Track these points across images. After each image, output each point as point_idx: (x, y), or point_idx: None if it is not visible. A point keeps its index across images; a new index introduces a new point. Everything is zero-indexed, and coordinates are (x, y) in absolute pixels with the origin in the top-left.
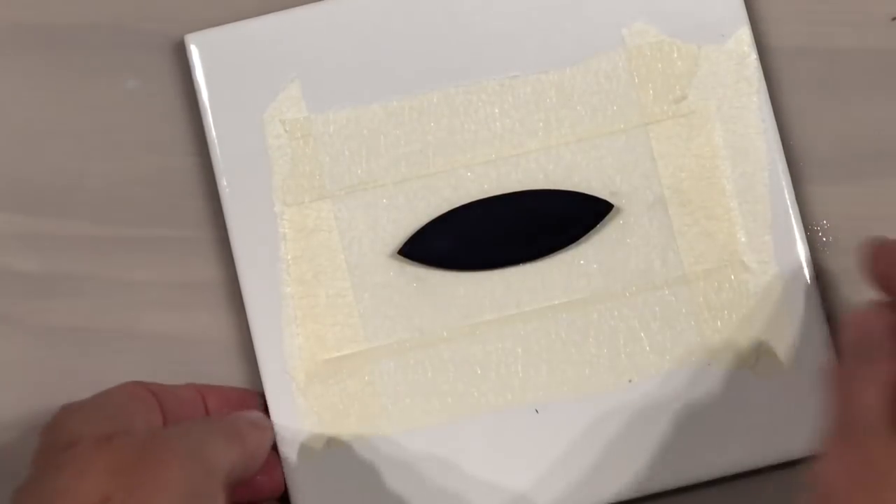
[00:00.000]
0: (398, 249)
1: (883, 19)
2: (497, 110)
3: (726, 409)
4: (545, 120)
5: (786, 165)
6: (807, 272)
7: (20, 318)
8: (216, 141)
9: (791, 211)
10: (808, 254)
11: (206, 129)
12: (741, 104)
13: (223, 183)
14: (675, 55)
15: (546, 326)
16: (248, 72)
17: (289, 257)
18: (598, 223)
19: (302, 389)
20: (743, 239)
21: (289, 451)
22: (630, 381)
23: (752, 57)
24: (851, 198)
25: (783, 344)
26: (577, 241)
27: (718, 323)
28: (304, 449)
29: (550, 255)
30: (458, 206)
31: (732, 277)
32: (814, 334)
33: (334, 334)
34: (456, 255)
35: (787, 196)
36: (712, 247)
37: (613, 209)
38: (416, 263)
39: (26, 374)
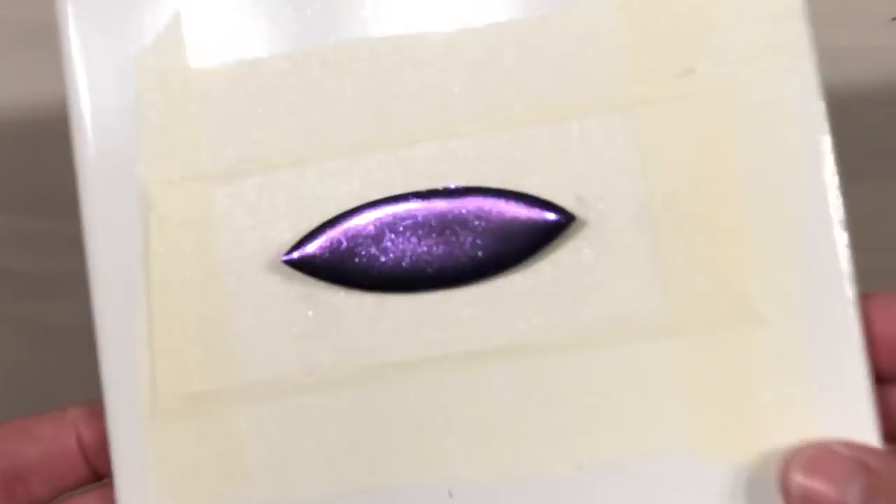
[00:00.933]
0: (283, 255)
1: (883, 19)
2: (436, 73)
3: None
4: (497, 90)
5: (836, 176)
6: (854, 334)
7: (20, 318)
8: (75, 95)
9: (837, 239)
10: (857, 303)
11: (67, 78)
12: (774, 82)
13: (79, 151)
14: (685, 9)
15: (472, 378)
16: (121, 5)
17: (149, 256)
18: (552, 240)
19: (148, 430)
20: (759, 277)
21: None
22: (580, 465)
23: (798, 8)
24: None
25: (813, 437)
26: (523, 264)
27: (714, 396)
28: None
29: (485, 281)
30: (365, 202)
31: (739, 333)
32: (860, 424)
33: (199, 362)
34: (358, 270)
35: (833, 217)
36: (714, 286)
37: (576, 222)
38: (305, 276)
39: (26, 374)
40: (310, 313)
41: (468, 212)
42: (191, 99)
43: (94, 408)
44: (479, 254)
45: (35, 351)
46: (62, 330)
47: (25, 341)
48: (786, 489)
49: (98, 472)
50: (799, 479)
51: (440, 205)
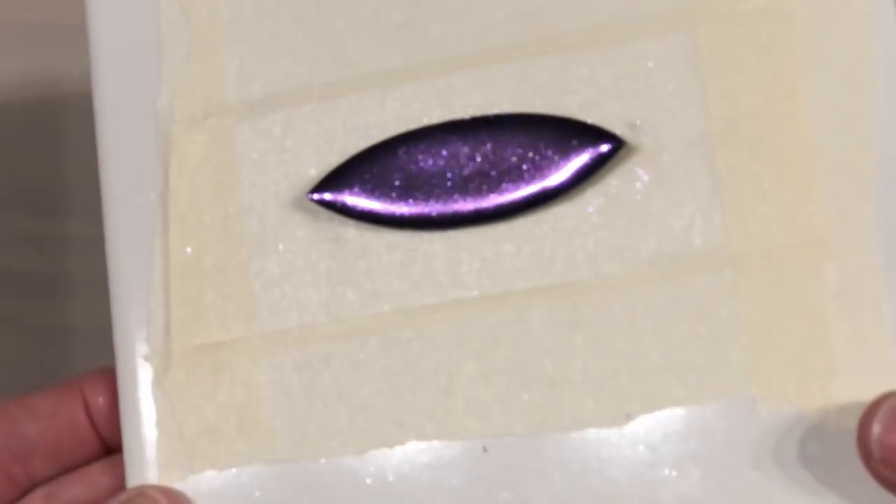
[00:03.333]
0: (308, 192)
1: None
2: None
3: (777, 474)
4: (543, 11)
5: None
6: None
7: (20, 318)
8: (96, 26)
9: None
10: None
11: (88, 8)
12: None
13: (98, 86)
14: None
15: (512, 321)
16: None
17: (168, 197)
18: (601, 168)
19: (160, 384)
20: (828, 206)
21: (137, 476)
22: (629, 414)
23: None
24: None
25: (881, 377)
26: (569, 195)
27: (777, 335)
28: (159, 471)
29: (528, 213)
30: (399, 133)
31: (806, 265)
32: None
33: (217, 310)
34: (389, 207)
35: None
36: (778, 216)
37: (627, 148)
38: (333, 214)
39: (26, 374)
40: (336, 254)
41: (510, 140)
42: (216, 29)
43: (104, 373)
44: (521, 185)
45: (35, 351)
46: (62, 330)
47: (25, 341)
48: (863, 441)
49: (109, 446)
50: (877, 431)
51: (479, 135)
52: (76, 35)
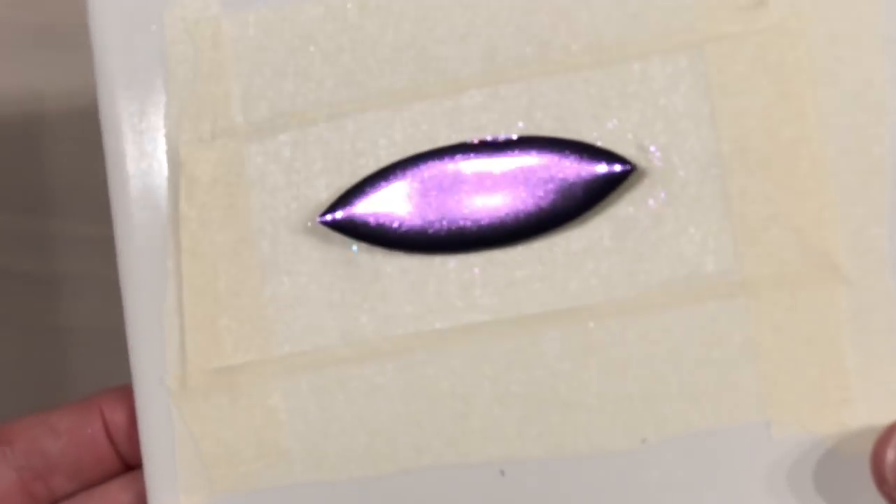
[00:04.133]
0: (319, 215)
1: None
2: (485, 13)
3: (791, 499)
4: (551, 31)
5: None
6: None
7: (20, 318)
8: (100, 50)
9: None
10: None
11: (93, 31)
12: (856, 13)
13: (105, 110)
14: None
15: (527, 345)
16: None
17: (179, 219)
18: (611, 192)
19: (179, 408)
20: (841, 231)
21: (158, 496)
22: (644, 440)
23: None
24: None
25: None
26: (582, 219)
27: (790, 360)
28: (181, 493)
29: (540, 238)
30: (408, 156)
31: (819, 290)
32: None
33: (232, 333)
34: (401, 229)
35: None
36: (790, 240)
37: (637, 172)
38: (344, 237)
39: (26, 374)
40: (349, 278)
41: (520, 164)
42: (221, 50)
43: (122, 391)
44: (532, 209)
45: (35, 351)
46: (62, 330)
47: (25, 341)
48: (877, 466)
49: (128, 463)
50: (892, 456)
51: (490, 158)
52: (75, 35)
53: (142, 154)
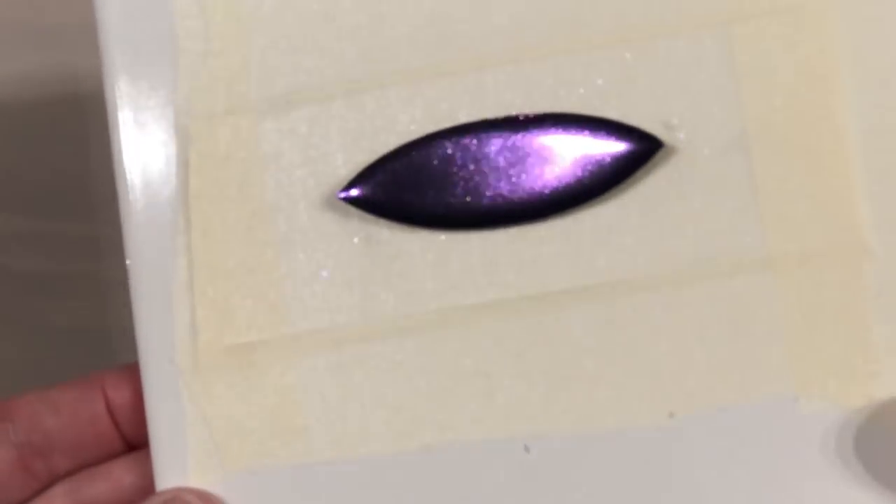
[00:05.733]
0: (339, 191)
1: None
2: None
3: (818, 472)
4: (576, 8)
5: None
6: None
7: (20, 318)
8: (106, 25)
9: None
10: None
11: (97, 12)
12: None
13: (110, 83)
14: None
15: (551, 321)
16: None
17: (189, 194)
18: (639, 169)
19: (189, 387)
20: (866, 207)
21: (166, 477)
22: (671, 414)
23: None
24: None
25: None
26: (607, 196)
27: (818, 335)
28: (191, 472)
29: (565, 214)
30: (431, 132)
31: (846, 266)
32: None
33: (245, 310)
34: (423, 206)
35: None
36: (816, 217)
37: (664, 149)
38: (363, 213)
39: (26, 374)
40: (369, 254)
41: (545, 141)
42: (235, 24)
43: (125, 370)
44: (557, 186)
45: (35, 351)
46: (62, 330)
47: (25, 341)
48: None
49: (130, 442)
50: None
51: (513, 134)
52: (79, 35)
53: (148, 130)
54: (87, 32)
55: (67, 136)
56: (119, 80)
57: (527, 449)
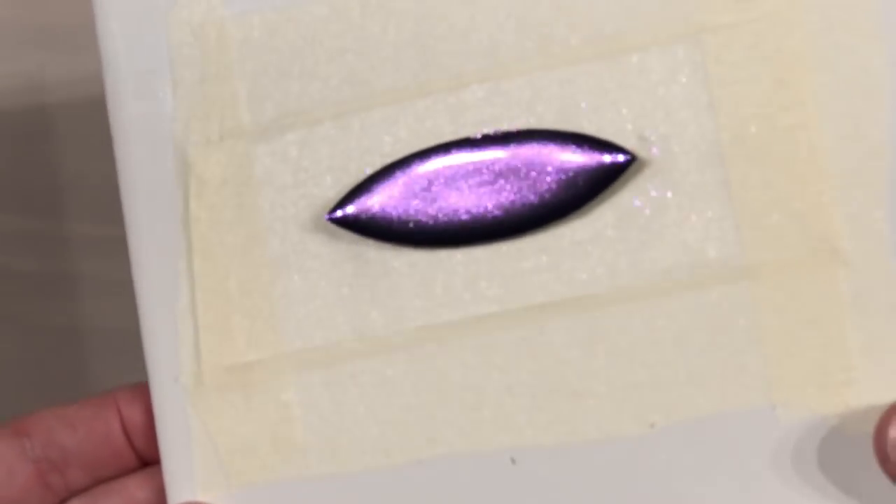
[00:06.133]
0: (327, 213)
1: None
2: (485, 9)
3: (797, 479)
4: (550, 25)
5: None
6: None
7: (20, 318)
8: (109, 52)
9: None
10: None
11: (100, 36)
12: (852, 2)
13: (114, 113)
14: None
15: (534, 335)
16: None
17: (189, 220)
18: (613, 182)
19: (194, 406)
20: (841, 215)
21: (177, 493)
22: (652, 425)
23: None
24: None
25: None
26: (585, 209)
27: (795, 343)
28: (199, 487)
29: (544, 230)
30: (413, 152)
31: (821, 275)
32: None
33: (244, 331)
34: (408, 224)
35: None
36: (791, 225)
37: (639, 162)
38: (352, 234)
39: (26, 374)
40: (358, 274)
41: (523, 157)
42: (227, 51)
43: (138, 387)
44: (536, 201)
45: (35, 351)
46: (62, 330)
47: (25, 341)
48: (879, 444)
49: (143, 458)
50: (894, 434)
51: (493, 151)
52: (79, 36)
53: (152, 156)
54: (87, 33)
55: (67, 136)
56: (123, 106)
57: (513, 461)
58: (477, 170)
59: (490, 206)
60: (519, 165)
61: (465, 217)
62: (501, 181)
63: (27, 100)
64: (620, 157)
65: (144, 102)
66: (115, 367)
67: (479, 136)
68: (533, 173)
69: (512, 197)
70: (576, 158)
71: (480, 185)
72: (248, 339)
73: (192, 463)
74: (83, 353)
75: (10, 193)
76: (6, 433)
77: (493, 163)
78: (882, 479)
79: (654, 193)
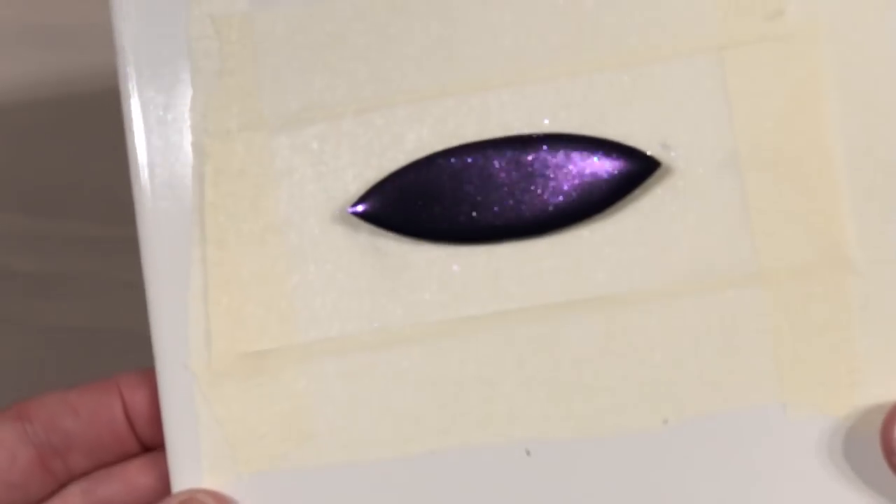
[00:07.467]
0: (350, 206)
1: None
2: (512, 15)
3: (807, 475)
4: (576, 34)
5: None
6: None
7: (20, 318)
8: (124, 45)
9: None
10: None
11: (116, 25)
12: (870, 24)
13: (127, 102)
14: None
15: (551, 332)
16: None
17: (204, 209)
18: (636, 188)
19: (204, 392)
20: (852, 225)
21: (182, 479)
22: (665, 421)
23: None
24: None
25: None
26: (606, 213)
27: (805, 346)
28: (205, 474)
29: (565, 230)
30: (438, 150)
31: (831, 281)
32: None
33: (258, 319)
34: (430, 220)
35: None
36: (804, 234)
37: (661, 169)
38: (373, 227)
39: (26, 374)
40: (377, 267)
41: (546, 160)
42: (248, 45)
43: (142, 373)
44: (559, 203)
45: (35, 351)
46: (62, 330)
47: (25, 341)
48: (886, 442)
49: (145, 444)
50: None
51: (516, 153)
52: (79, 36)
53: (165, 145)
54: (87, 33)
55: (67, 136)
56: (136, 95)
57: (528, 453)
58: (500, 170)
59: (512, 206)
60: (543, 168)
61: (487, 216)
62: (525, 182)
63: (27, 100)
64: (643, 164)
65: (160, 91)
66: (115, 366)
67: (504, 137)
68: (556, 176)
69: (535, 198)
70: (600, 163)
71: (503, 185)
72: (261, 328)
73: (199, 449)
74: (83, 354)
75: (11, 193)
76: (8, 417)
77: (517, 164)
78: (888, 475)
79: (673, 199)
